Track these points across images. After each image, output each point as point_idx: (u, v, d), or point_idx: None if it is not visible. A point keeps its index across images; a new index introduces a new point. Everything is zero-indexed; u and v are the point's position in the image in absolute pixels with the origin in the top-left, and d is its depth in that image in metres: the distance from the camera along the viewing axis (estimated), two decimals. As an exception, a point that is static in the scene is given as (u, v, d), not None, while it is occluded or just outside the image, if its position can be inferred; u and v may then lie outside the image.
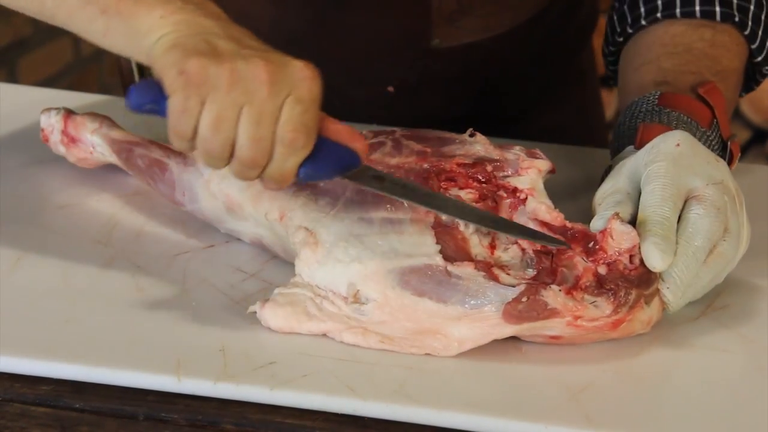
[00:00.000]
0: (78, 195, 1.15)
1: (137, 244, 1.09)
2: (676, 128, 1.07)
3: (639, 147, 1.06)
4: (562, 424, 0.90)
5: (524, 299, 0.94)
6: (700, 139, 1.08)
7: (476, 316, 0.95)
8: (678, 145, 1.03)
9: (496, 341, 0.96)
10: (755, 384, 0.96)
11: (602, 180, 1.06)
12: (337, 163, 0.96)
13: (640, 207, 1.00)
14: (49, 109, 1.17)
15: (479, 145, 1.05)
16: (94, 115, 1.16)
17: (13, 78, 2.60)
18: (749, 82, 1.22)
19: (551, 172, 1.05)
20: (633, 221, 0.99)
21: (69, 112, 1.16)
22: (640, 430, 0.91)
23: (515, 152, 1.05)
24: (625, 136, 1.09)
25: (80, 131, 1.15)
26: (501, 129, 1.25)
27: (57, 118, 1.16)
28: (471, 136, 1.06)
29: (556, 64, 1.39)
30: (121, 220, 1.12)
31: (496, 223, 1.00)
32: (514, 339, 0.97)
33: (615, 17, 1.22)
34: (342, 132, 0.97)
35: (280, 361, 0.94)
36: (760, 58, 1.19)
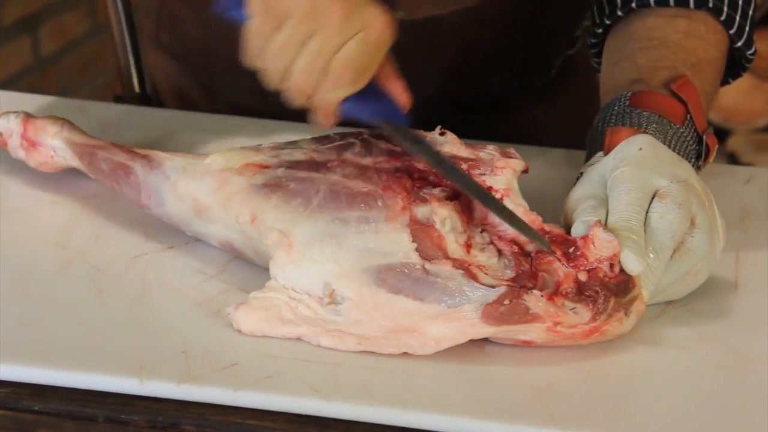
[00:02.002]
0: (35, 197, 1.15)
1: (96, 247, 1.08)
2: (646, 129, 1.07)
3: (607, 152, 1.06)
4: (526, 423, 0.90)
5: (506, 302, 0.94)
6: (672, 137, 1.08)
7: (454, 315, 0.95)
8: (641, 149, 1.03)
9: (459, 341, 0.96)
10: (717, 382, 0.96)
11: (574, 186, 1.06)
12: (380, 111, 1.02)
13: (608, 213, 1.00)
14: (7, 113, 1.16)
15: (450, 145, 1.05)
16: (54, 118, 1.15)
17: (-30, 80, 2.59)
18: (736, 69, 1.22)
19: (525, 171, 1.04)
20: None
21: (28, 116, 1.15)
22: (603, 429, 0.91)
23: (489, 152, 1.04)
24: (596, 141, 1.09)
25: (40, 135, 1.14)
26: (482, 121, 1.24)
27: (16, 122, 1.15)
28: (441, 134, 1.06)
29: (534, 54, 1.38)
30: (80, 223, 1.11)
31: (500, 210, 1.01)
32: (478, 338, 0.97)
33: (595, 9, 1.22)
34: (396, 86, 1.03)
35: (243, 363, 0.94)
36: (740, 44, 1.18)
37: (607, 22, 1.20)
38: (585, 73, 1.45)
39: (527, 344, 0.96)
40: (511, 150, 1.05)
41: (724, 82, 1.21)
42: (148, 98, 1.47)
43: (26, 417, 0.92)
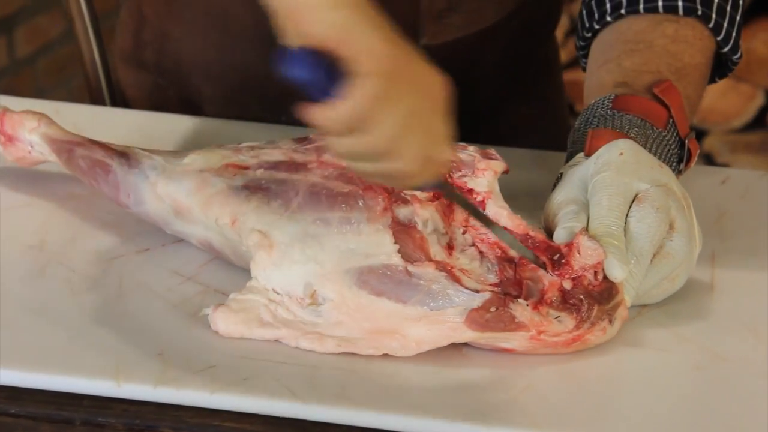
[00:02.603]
0: (10, 199, 1.14)
1: (72, 249, 1.07)
2: (628, 132, 1.07)
3: (589, 154, 1.06)
4: (504, 425, 0.90)
5: (492, 309, 0.94)
6: (654, 141, 1.08)
7: (437, 317, 0.95)
8: (621, 154, 1.03)
9: (436, 343, 0.97)
10: (693, 382, 0.97)
11: (554, 187, 1.06)
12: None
13: (590, 219, 1.00)
14: None
15: None
16: (31, 113, 1.14)
17: (-56, 82, 2.57)
18: (722, 70, 1.22)
19: (505, 172, 1.04)
20: None
21: (5, 110, 1.15)
22: (580, 430, 0.91)
23: (469, 153, 1.04)
24: (578, 142, 1.10)
25: (17, 130, 1.14)
26: (472, 125, 1.24)
27: None
28: None
29: (524, 56, 1.39)
30: (55, 225, 1.11)
31: (483, 218, 1.00)
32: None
33: (584, 12, 1.22)
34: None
35: (220, 365, 0.94)
36: (726, 49, 1.19)
37: (596, 27, 1.20)
38: (555, 73, 1.46)
39: (508, 351, 0.96)
40: (492, 151, 1.04)
41: (711, 80, 1.22)
42: None
43: (3, 420, 0.91)
